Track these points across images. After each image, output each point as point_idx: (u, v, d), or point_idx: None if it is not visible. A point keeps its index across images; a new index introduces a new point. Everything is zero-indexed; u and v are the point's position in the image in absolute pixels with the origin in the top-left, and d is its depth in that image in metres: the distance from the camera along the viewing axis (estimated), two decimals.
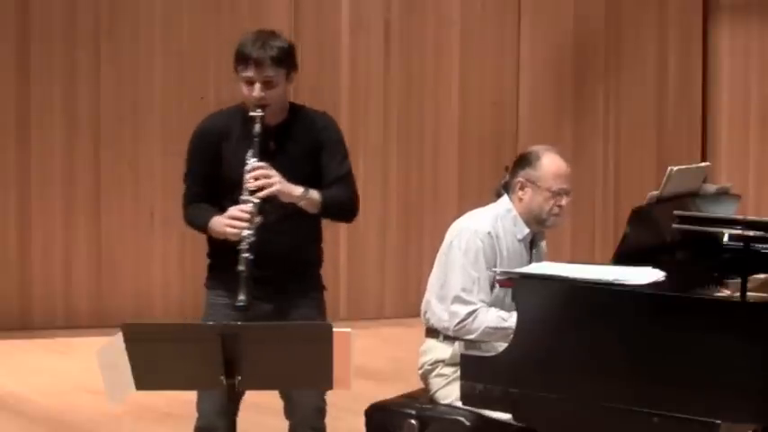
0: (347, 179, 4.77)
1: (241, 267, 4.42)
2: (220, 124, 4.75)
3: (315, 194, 4.62)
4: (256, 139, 4.55)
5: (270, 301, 4.64)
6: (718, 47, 11.03)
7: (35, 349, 8.75)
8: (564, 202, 5.05)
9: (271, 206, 4.55)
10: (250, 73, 4.59)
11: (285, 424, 4.90)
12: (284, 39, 4.71)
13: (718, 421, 4.14)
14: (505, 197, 5.11)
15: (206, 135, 4.76)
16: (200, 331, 3.90)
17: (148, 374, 3.82)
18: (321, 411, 4.78)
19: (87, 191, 9.40)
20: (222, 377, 3.76)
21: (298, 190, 4.58)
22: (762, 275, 4.66)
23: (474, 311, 4.89)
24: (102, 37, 9.39)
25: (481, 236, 4.96)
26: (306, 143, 4.70)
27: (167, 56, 9.52)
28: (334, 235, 9.69)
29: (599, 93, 10.76)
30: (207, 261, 4.86)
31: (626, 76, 10.81)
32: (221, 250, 4.67)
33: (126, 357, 3.78)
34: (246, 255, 4.43)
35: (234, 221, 4.49)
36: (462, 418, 4.86)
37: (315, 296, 4.85)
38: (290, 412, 4.79)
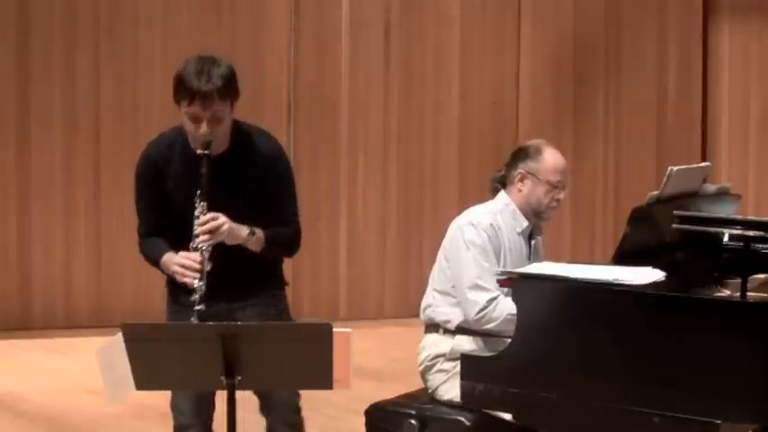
0: (292, 218, 4.65)
1: (193, 319, 4.33)
2: (159, 153, 4.63)
3: (260, 234, 4.49)
4: (204, 176, 4.38)
5: (223, 301, 4.56)
6: (718, 47, 11.03)
7: (35, 349, 8.76)
8: (561, 195, 5.10)
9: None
10: (196, 109, 4.39)
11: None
12: (226, 64, 4.49)
13: (718, 421, 4.14)
14: (502, 192, 5.15)
15: (150, 163, 4.65)
16: (200, 331, 3.90)
17: (148, 374, 3.81)
18: (296, 408, 4.76)
19: (87, 191, 9.40)
20: (222, 377, 3.76)
21: (243, 232, 4.45)
22: (762, 275, 4.66)
23: (494, 298, 4.88)
24: (102, 37, 9.39)
25: (484, 227, 5.00)
26: (250, 174, 4.54)
27: (167, 56, 9.51)
28: (334, 235, 9.70)
29: (599, 93, 10.76)
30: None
31: (626, 76, 10.81)
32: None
33: (126, 357, 3.78)
34: (199, 307, 4.33)
35: (185, 270, 4.41)
36: (462, 418, 4.86)
37: (271, 292, 4.73)
38: (265, 409, 4.76)
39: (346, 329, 3.86)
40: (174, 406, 4.71)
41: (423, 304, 5.16)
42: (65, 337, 9.02)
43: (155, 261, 4.64)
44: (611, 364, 4.34)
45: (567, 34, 10.61)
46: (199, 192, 4.41)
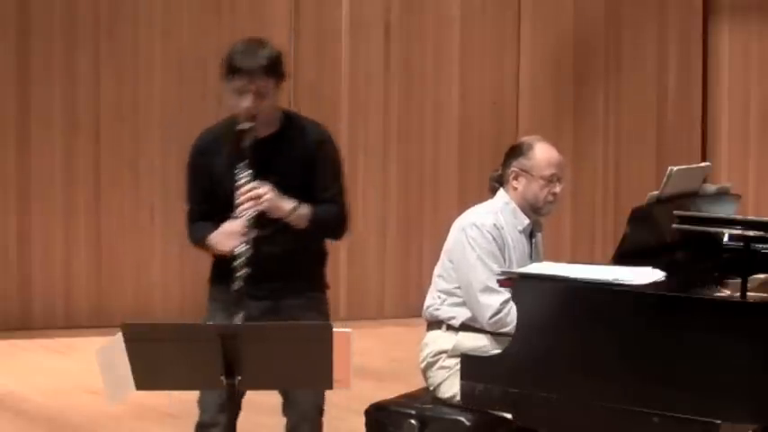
0: (338, 197, 4.72)
1: (236, 285, 4.39)
2: (210, 140, 4.73)
3: (304, 210, 4.58)
4: (246, 151, 4.50)
5: (267, 299, 4.62)
6: (718, 47, 11.03)
7: (35, 349, 8.76)
8: (558, 189, 5.11)
9: (266, 219, 4.52)
10: (240, 83, 4.52)
11: (284, 423, 4.91)
12: (273, 47, 4.63)
13: (718, 421, 4.14)
14: (501, 191, 5.16)
15: (198, 153, 4.74)
16: (200, 331, 3.90)
17: (148, 374, 3.81)
18: (320, 409, 4.79)
19: (87, 191, 9.41)
20: (222, 377, 3.76)
21: (288, 205, 4.54)
22: (762, 275, 4.66)
23: (507, 300, 4.87)
24: (102, 37, 9.39)
25: (488, 228, 5.00)
26: (298, 156, 4.64)
27: (167, 56, 9.52)
28: None
29: (599, 93, 10.76)
30: (210, 259, 4.85)
31: (626, 76, 10.81)
32: (222, 261, 4.65)
33: (126, 357, 3.78)
34: (242, 272, 4.40)
35: (227, 237, 4.48)
36: (462, 418, 4.86)
37: (312, 295, 4.78)
38: (288, 409, 4.79)
39: (346, 329, 3.86)
40: (201, 403, 4.72)
41: (426, 304, 5.15)
42: (65, 337, 9.02)
43: (201, 241, 4.68)
44: (611, 364, 4.34)
45: (567, 34, 10.61)
46: (241, 164, 4.49)
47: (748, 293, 4.35)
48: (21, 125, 9.24)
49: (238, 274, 4.41)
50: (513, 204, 5.11)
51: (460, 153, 10.29)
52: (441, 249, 5.19)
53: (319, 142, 4.70)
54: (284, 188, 4.56)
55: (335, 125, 9.88)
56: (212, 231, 4.60)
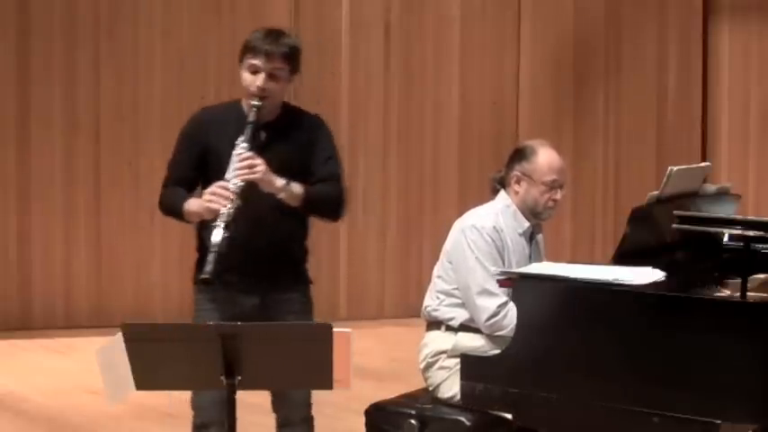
0: (335, 178, 4.76)
1: (215, 239, 4.38)
2: (214, 115, 4.81)
3: (296, 188, 4.60)
4: (249, 127, 4.57)
5: (256, 294, 4.65)
6: (718, 47, 11.03)
7: (35, 349, 8.76)
8: (558, 195, 5.11)
9: (254, 196, 4.53)
10: (258, 62, 4.62)
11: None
12: (295, 39, 4.78)
13: (718, 421, 4.15)
14: (503, 193, 5.16)
15: (197, 124, 4.81)
16: (200, 331, 3.90)
17: (148, 374, 3.81)
18: (308, 403, 4.82)
19: (87, 191, 9.41)
20: (222, 377, 3.76)
21: (279, 181, 4.56)
22: (762, 275, 4.66)
23: (504, 303, 4.87)
24: (102, 37, 9.39)
25: (488, 231, 5.00)
26: (296, 142, 4.71)
27: (167, 56, 9.52)
28: (334, 235, 9.70)
29: (599, 93, 10.76)
30: (195, 256, 4.83)
31: (626, 76, 10.81)
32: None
33: (126, 357, 3.78)
34: (222, 231, 4.39)
35: (213, 197, 4.48)
36: (462, 418, 4.86)
37: (301, 289, 4.81)
38: (278, 404, 4.82)
39: (346, 329, 3.86)
40: (196, 404, 4.72)
41: (424, 304, 5.16)
42: (65, 337, 9.02)
43: (177, 207, 4.69)
44: (611, 364, 4.34)
45: (567, 34, 10.61)
46: (241, 137, 4.55)
47: (748, 293, 4.35)
48: (21, 125, 9.24)
49: (218, 230, 4.39)
50: (514, 207, 5.11)
51: (460, 153, 10.29)
52: (441, 249, 5.19)
53: (315, 126, 4.81)
54: (281, 171, 4.59)
55: (335, 125, 9.83)
56: (189, 198, 4.64)
